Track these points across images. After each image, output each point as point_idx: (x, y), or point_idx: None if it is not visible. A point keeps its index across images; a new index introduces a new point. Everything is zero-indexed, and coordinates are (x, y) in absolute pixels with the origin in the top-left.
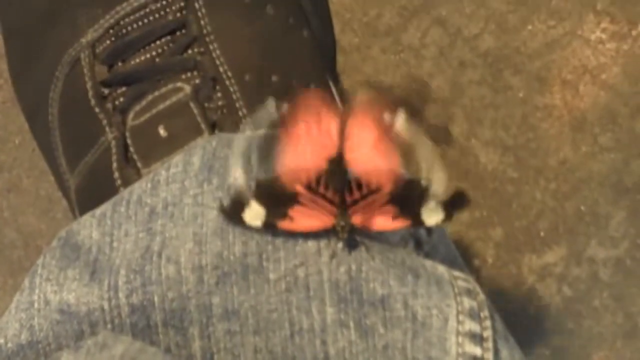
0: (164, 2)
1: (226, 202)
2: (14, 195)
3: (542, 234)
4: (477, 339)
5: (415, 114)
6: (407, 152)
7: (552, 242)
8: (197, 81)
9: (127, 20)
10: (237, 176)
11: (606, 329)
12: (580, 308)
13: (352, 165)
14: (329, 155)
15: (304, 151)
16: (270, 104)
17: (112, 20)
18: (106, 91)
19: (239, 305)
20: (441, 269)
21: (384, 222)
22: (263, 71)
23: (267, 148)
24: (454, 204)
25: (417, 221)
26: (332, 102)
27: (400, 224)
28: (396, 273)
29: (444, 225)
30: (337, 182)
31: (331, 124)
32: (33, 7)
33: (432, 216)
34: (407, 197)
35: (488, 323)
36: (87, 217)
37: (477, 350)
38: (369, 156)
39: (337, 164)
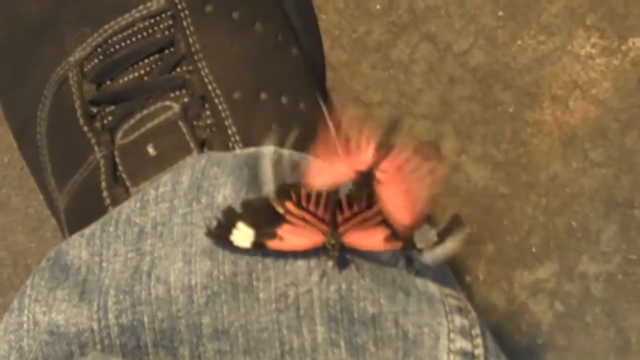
0: (152, 21)
1: (214, 224)
2: (3, 214)
3: (533, 249)
4: (469, 357)
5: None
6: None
7: (544, 258)
8: (186, 100)
9: (115, 38)
10: (227, 195)
11: (598, 344)
12: (572, 324)
13: (382, 188)
14: (359, 168)
15: (336, 161)
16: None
17: (100, 39)
18: (94, 110)
19: (229, 324)
20: (432, 286)
21: (375, 243)
22: (252, 89)
23: (257, 166)
24: (449, 231)
25: (409, 245)
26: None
27: (391, 246)
28: (387, 291)
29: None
30: (360, 196)
31: (370, 144)
32: (20, 25)
33: (425, 241)
34: None
35: (479, 341)
36: (76, 237)
37: None
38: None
39: (366, 178)
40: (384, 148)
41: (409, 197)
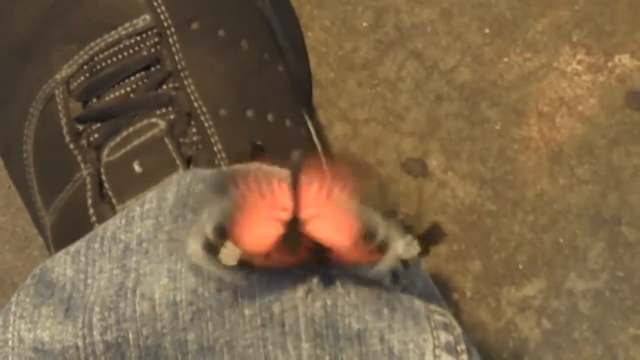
0: (138, 38)
1: (202, 242)
2: None
3: (520, 266)
4: None
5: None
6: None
7: (531, 275)
8: (172, 117)
9: (101, 56)
10: (212, 212)
11: None
12: (559, 341)
13: (309, 226)
14: (284, 219)
15: (258, 219)
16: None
17: (86, 56)
18: (81, 127)
19: (214, 341)
20: (417, 303)
21: (360, 255)
22: (238, 106)
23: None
24: (430, 237)
25: (392, 254)
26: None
27: (375, 257)
28: (372, 308)
29: (420, 259)
30: (293, 245)
31: (283, 189)
32: (6, 44)
33: (408, 250)
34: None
35: (465, 357)
36: (61, 254)
37: None
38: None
39: (293, 227)
40: (296, 186)
41: (339, 221)
